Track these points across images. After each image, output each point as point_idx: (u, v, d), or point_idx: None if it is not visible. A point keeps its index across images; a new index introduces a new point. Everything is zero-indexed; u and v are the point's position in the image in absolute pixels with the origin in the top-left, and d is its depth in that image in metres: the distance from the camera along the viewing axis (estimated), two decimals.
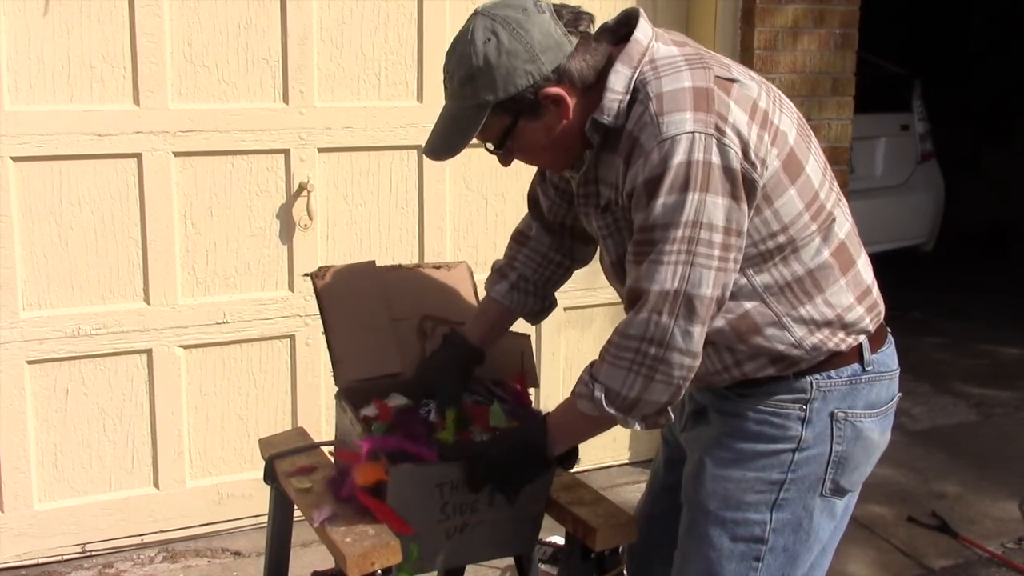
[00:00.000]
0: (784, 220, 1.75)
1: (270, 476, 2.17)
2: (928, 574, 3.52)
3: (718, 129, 1.66)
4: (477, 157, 3.68)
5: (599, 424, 1.77)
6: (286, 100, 3.39)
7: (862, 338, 1.85)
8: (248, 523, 3.49)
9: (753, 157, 1.69)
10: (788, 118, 1.79)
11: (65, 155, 3.18)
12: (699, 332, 1.68)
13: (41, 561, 3.35)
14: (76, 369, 3.30)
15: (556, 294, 2.20)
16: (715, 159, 1.65)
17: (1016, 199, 7.64)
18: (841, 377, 1.84)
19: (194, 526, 3.51)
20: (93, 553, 3.40)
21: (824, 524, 1.90)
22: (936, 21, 7.86)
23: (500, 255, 3.73)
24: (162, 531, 3.47)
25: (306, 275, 2.22)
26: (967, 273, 7.34)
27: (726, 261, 1.68)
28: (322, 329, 2.14)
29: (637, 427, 1.76)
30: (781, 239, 1.76)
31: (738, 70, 1.78)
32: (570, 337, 3.97)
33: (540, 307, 2.17)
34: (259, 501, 2.55)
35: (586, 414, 1.76)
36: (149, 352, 3.36)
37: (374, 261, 2.22)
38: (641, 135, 1.67)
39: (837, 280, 1.82)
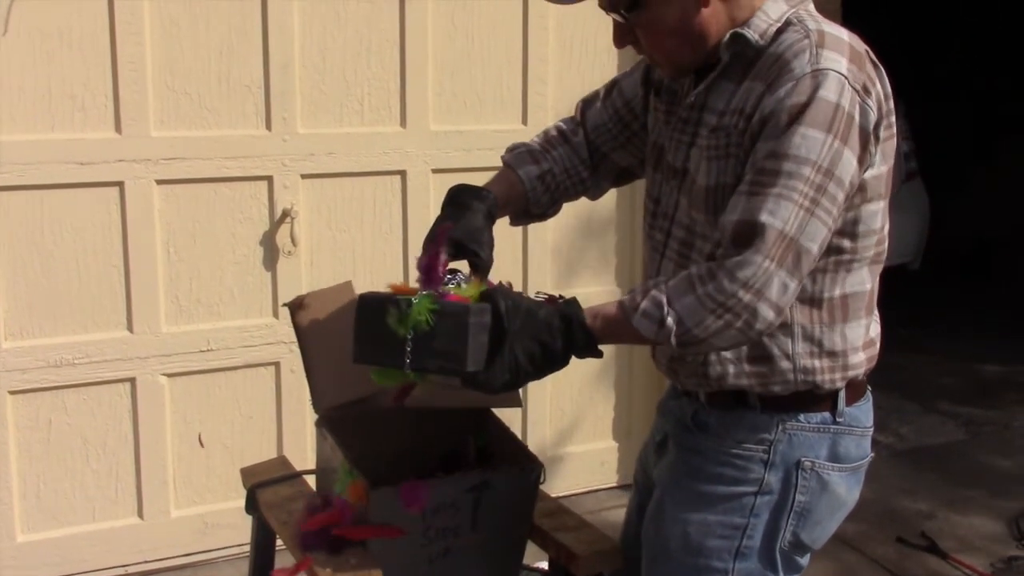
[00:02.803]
0: (860, 228, 1.70)
1: (252, 506, 2.15)
2: None
3: (864, 89, 1.62)
4: (461, 180, 3.69)
5: (639, 341, 1.64)
6: (269, 127, 3.39)
7: (843, 384, 1.77)
8: (234, 552, 3.45)
9: (880, 133, 1.66)
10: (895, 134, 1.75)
11: (47, 184, 3.16)
12: (794, 290, 1.59)
13: None
14: (59, 399, 3.27)
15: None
16: (857, 115, 1.60)
17: (1001, 217, 7.66)
18: (809, 423, 1.76)
19: (179, 556, 3.47)
20: None
21: None
22: (920, 39, 7.91)
23: None
24: (146, 561, 3.44)
25: (284, 305, 2.20)
26: (953, 291, 7.36)
27: (836, 222, 1.62)
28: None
29: (669, 353, 1.72)
30: (846, 243, 1.71)
31: None
32: None
33: (543, 211, 2.03)
34: (245, 531, 2.54)
35: (634, 329, 1.62)
36: (132, 381, 3.34)
37: (351, 282, 2.20)
38: (794, 60, 1.60)
39: (860, 318, 1.76)
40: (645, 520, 1.90)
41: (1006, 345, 6.33)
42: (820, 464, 1.77)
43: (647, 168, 1.91)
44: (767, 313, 1.58)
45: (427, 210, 3.64)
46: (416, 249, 3.67)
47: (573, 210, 3.81)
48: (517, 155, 2.00)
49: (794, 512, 1.77)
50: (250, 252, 3.43)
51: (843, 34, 1.67)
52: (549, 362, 1.64)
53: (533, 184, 1.97)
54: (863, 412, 1.82)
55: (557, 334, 1.63)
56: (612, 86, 2.02)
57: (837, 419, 1.77)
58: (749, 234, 1.56)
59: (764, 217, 1.56)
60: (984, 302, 7.26)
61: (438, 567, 1.89)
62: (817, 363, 1.74)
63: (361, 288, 2.28)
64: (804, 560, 1.84)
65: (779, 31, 1.66)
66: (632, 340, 1.66)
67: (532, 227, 3.75)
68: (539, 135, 2.06)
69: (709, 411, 1.80)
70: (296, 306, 2.13)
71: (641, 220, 1.98)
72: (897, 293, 6.84)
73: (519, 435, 3.71)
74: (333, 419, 2.04)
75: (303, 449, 3.51)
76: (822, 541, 1.84)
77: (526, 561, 2.15)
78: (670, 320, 1.59)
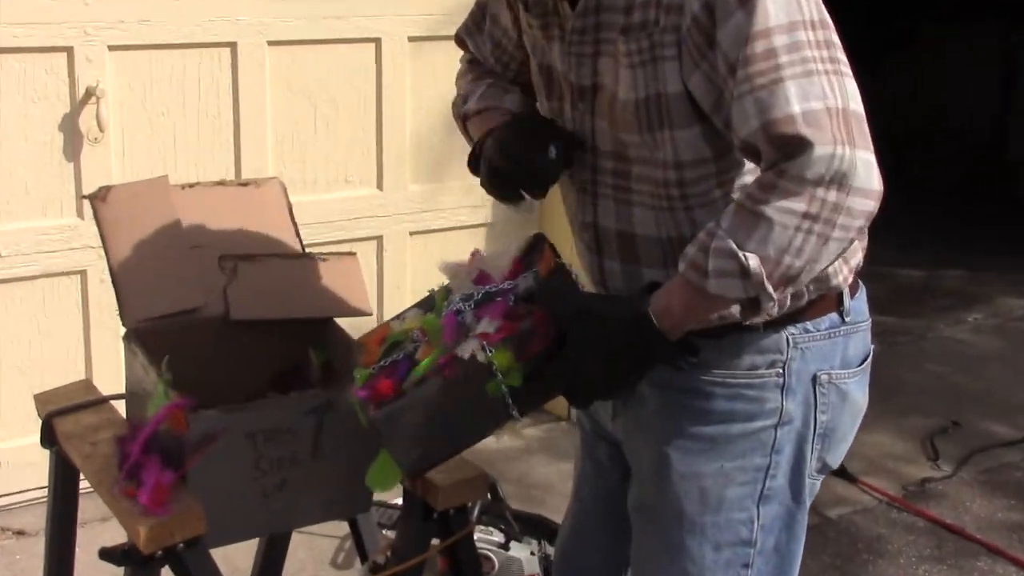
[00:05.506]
0: None
1: (48, 439, 2.10)
2: (823, 523, 3.62)
3: None
4: (303, 55, 3.63)
5: (722, 306, 1.58)
6: None
7: (851, 277, 1.75)
8: (34, 496, 3.37)
9: None
10: None
11: None
12: (875, 163, 1.49)
13: None
14: None
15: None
16: None
17: (912, 114, 7.86)
18: (819, 330, 1.73)
19: None
20: None
21: (807, 511, 1.82)
22: None
23: (332, 170, 3.78)
24: None
25: (84, 197, 2.14)
26: None
27: None
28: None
29: (763, 316, 1.61)
30: None
31: None
32: (417, 267, 3.94)
33: None
34: (47, 470, 2.51)
35: (716, 298, 1.53)
36: None
37: (166, 176, 2.16)
38: None
39: None
40: (639, 485, 1.83)
41: (924, 248, 6.55)
42: (836, 374, 1.76)
43: (540, 99, 1.86)
44: (864, 204, 1.49)
45: (262, 90, 3.58)
46: (249, 136, 3.64)
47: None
48: (488, 92, 1.94)
49: (818, 436, 1.76)
50: (47, 139, 3.34)
51: None
52: (635, 366, 1.61)
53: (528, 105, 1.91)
54: (862, 303, 1.82)
55: (634, 344, 1.58)
56: (482, 16, 1.98)
57: (845, 318, 1.76)
58: (792, 133, 1.47)
59: (798, 106, 1.47)
60: (899, 204, 7.48)
61: (273, 502, 1.87)
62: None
63: (184, 180, 2.23)
64: (819, 481, 1.83)
65: None
66: (720, 309, 1.59)
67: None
68: (468, 71, 2.02)
69: (701, 342, 1.68)
70: (100, 199, 2.08)
71: None
72: None
73: None
74: (145, 333, 2.01)
75: (116, 372, 3.41)
76: (843, 457, 1.85)
77: (379, 496, 2.15)
78: (752, 264, 1.48)
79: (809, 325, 1.72)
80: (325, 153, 3.74)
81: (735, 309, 1.59)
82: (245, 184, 2.24)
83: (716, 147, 1.61)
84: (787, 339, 1.71)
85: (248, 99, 3.57)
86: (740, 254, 1.48)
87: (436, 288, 1.78)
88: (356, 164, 3.79)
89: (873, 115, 1.54)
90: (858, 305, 1.80)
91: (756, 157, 1.52)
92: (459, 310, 1.67)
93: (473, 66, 2.03)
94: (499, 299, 1.67)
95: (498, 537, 2.91)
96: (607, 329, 1.58)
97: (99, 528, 2.85)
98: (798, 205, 1.46)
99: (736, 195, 1.61)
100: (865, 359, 1.82)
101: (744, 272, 1.49)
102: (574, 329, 1.58)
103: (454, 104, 2.01)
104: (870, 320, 1.83)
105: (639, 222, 1.70)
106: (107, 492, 1.84)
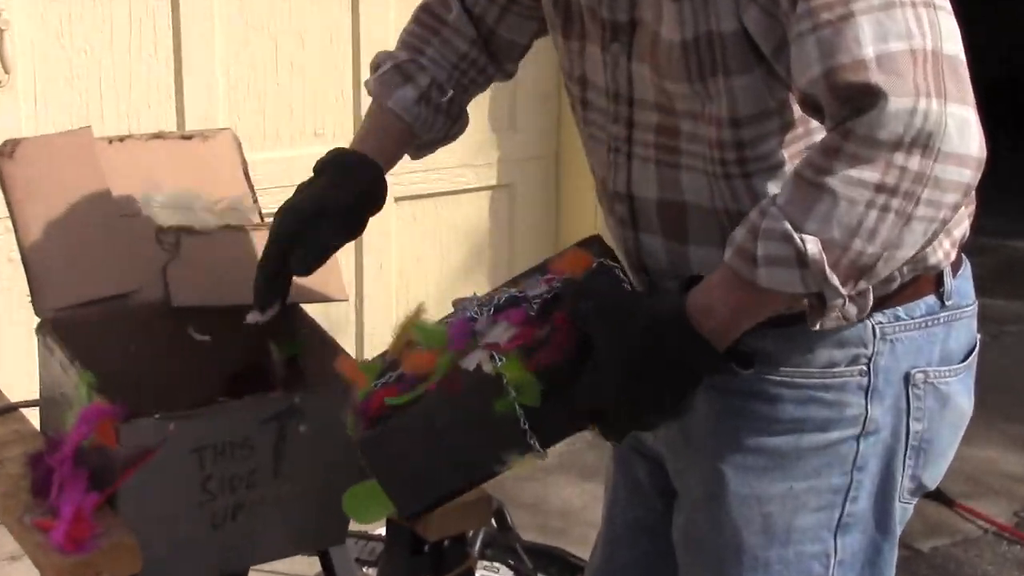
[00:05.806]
0: None
1: None
2: (912, 557, 3.63)
3: None
4: None
5: (776, 304, 1.54)
6: None
7: (953, 252, 1.74)
8: None
9: None
10: None
11: None
12: (977, 122, 1.45)
13: None
14: None
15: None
16: None
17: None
18: (913, 317, 1.72)
19: None
20: None
21: (896, 542, 1.82)
22: None
23: (298, 121, 3.78)
24: None
25: None
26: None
27: None
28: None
29: (833, 320, 1.58)
30: None
31: None
32: (404, 241, 3.94)
33: (446, 132, 2.05)
34: None
35: (767, 292, 1.50)
36: None
37: (90, 128, 2.16)
38: None
39: None
40: (686, 510, 1.85)
41: None
42: (934, 372, 1.75)
43: (555, 37, 1.86)
44: (958, 174, 1.45)
45: (210, 22, 3.62)
46: (194, 79, 3.65)
47: None
48: (383, 78, 1.99)
49: (911, 449, 1.76)
50: None
51: None
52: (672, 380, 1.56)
53: (414, 112, 1.97)
54: (966, 282, 1.82)
55: (667, 352, 1.54)
56: None
57: (946, 302, 1.76)
58: (860, 82, 1.44)
59: (871, 48, 1.44)
60: (1014, 161, 7.47)
61: (226, 533, 1.89)
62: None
63: (112, 132, 2.25)
64: (912, 505, 1.84)
65: None
66: (780, 307, 1.56)
67: None
68: (405, 29, 2.05)
69: (763, 332, 1.67)
70: (6, 156, 2.09)
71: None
72: None
73: (351, 343, 3.71)
74: (64, 324, 2.02)
75: (28, 372, 3.43)
76: (942, 476, 1.85)
77: (357, 526, 2.16)
78: (811, 249, 1.45)
79: (901, 311, 1.72)
80: (289, 100, 3.77)
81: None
82: (189, 137, 2.25)
83: (780, 98, 1.60)
84: (873, 329, 1.71)
85: (193, 33, 3.60)
86: (795, 236, 1.45)
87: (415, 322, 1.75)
88: (328, 113, 3.82)
89: (972, 57, 1.51)
90: (962, 286, 1.79)
91: (820, 114, 1.50)
92: (473, 316, 1.67)
93: (427, 18, 2.03)
94: (523, 305, 1.67)
95: (506, 575, 2.93)
96: (635, 333, 1.56)
97: (7, 568, 2.88)
98: (870, 174, 1.43)
99: None
100: (970, 353, 1.81)
101: (800, 259, 1.45)
102: (595, 334, 1.57)
103: (375, 58, 2.05)
104: (976, 304, 1.83)
105: (688, 189, 1.70)
106: (16, 523, 1.85)
